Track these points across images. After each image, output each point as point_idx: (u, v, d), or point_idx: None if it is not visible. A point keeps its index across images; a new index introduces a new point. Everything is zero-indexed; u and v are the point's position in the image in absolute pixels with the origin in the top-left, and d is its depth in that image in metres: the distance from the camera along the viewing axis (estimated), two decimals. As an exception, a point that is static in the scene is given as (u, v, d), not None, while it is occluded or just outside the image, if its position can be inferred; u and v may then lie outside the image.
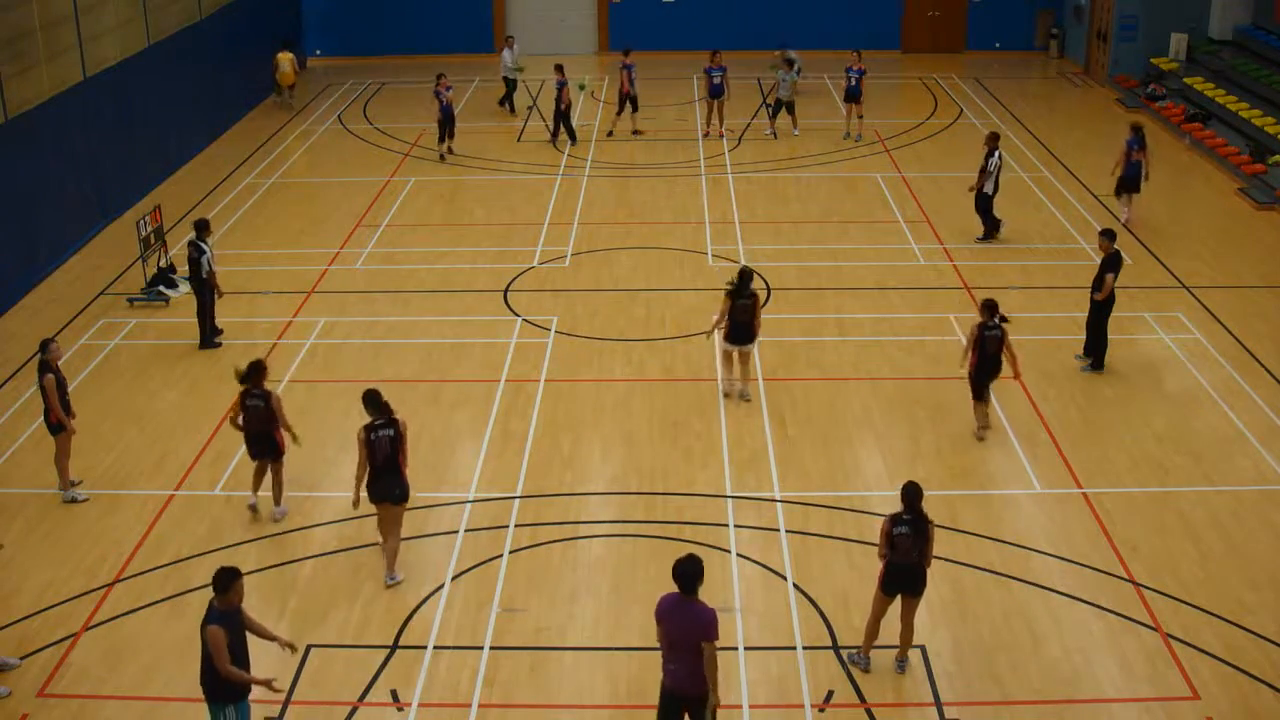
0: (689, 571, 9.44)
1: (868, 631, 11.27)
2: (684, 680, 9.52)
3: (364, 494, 12.42)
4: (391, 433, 12.34)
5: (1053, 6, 36.15)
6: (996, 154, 20.99)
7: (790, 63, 27.86)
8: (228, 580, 9.68)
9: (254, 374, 13.39)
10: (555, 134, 27.58)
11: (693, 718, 9.63)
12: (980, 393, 15.11)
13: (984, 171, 21.06)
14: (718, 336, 16.12)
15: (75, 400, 15.01)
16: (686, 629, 9.41)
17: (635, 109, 27.96)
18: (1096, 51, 33.44)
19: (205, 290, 17.65)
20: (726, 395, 16.18)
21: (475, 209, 23.71)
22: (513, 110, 30.40)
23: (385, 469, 12.36)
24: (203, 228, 17.77)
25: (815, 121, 28.70)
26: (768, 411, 15.84)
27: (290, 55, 31.20)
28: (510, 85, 30.27)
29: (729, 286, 15.76)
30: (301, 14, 35.72)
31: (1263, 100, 26.81)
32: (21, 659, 11.56)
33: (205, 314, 17.79)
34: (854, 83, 26.83)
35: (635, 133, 28.08)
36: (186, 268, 18.26)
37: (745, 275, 15.73)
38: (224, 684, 9.69)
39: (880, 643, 11.32)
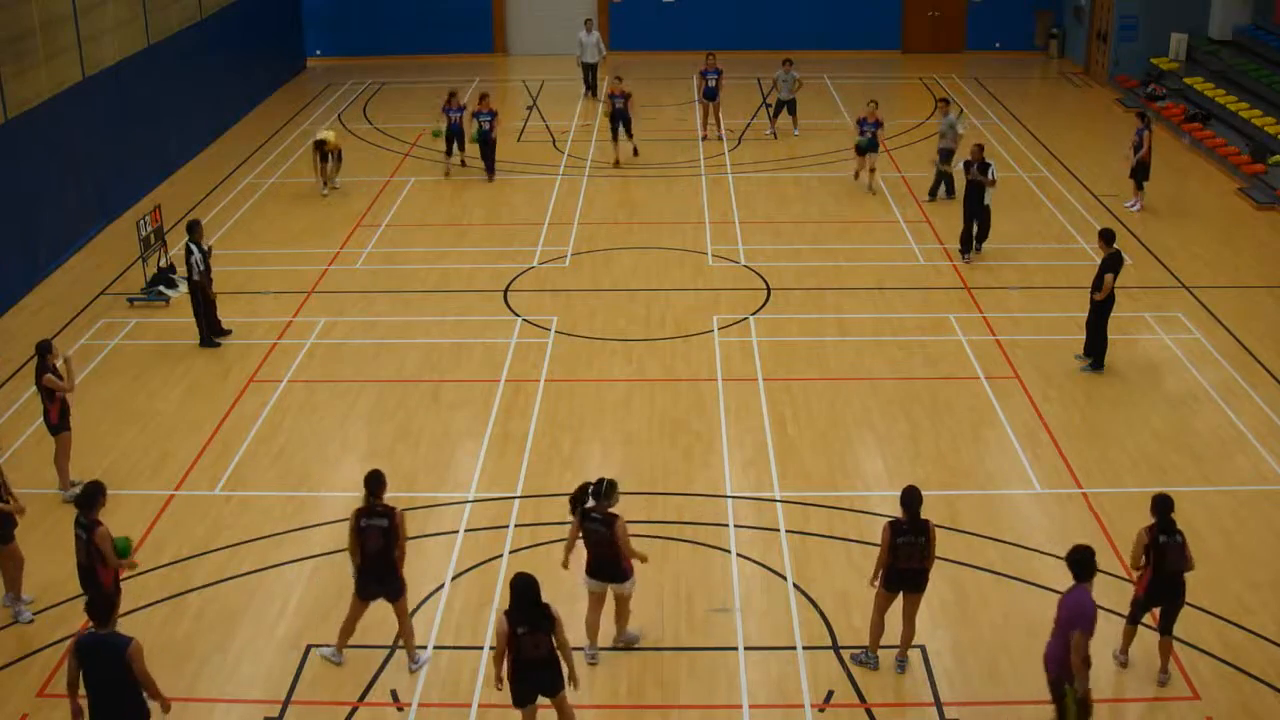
0: (1073, 559, 9.95)
1: (873, 629, 11.26)
2: (1046, 652, 10.09)
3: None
4: (385, 524, 10.84)
5: (1053, 7, 36.15)
6: (991, 165, 20.26)
7: (788, 63, 27.82)
8: (112, 607, 9.56)
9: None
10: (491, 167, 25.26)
11: (1051, 693, 10.21)
12: (1139, 615, 11.23)
13: (989, 182, 20.13)
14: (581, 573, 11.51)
15: (74, 400, 15.00)
16: (1063, 610, 9.93)
17: (628, 132, 26.03)
18: (1096, 52, 33.43)
19: (196, 291, 17.65)
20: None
21: (475, 209, 23.71)
22: (595, 95, 30.37)
23: (376, 565, 10.94)
24: (192, 229, 17.75)
25: (815, 122, 28.68)
26: (768, 411, 15.84)
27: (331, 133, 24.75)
28: (590, 71, 30.28)
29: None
30: (301, 14, 35.72)
31: (1263, 100, 26.80)
32: (23, 657, 11.57)
33: (199, 315, 17.77)
34: (870, 135, 23.58)
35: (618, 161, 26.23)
36: (185, 269, 18.26)
37: (592, 490, 11.17)
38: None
39: (883, 641, 11.31)
